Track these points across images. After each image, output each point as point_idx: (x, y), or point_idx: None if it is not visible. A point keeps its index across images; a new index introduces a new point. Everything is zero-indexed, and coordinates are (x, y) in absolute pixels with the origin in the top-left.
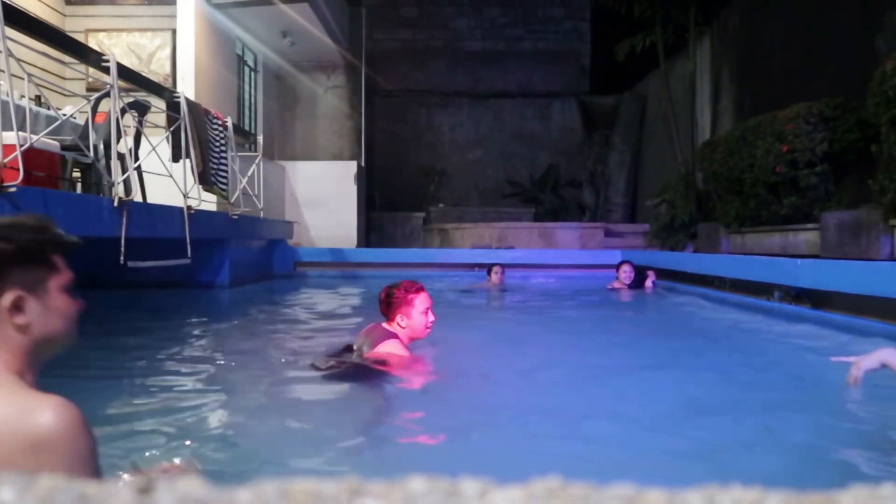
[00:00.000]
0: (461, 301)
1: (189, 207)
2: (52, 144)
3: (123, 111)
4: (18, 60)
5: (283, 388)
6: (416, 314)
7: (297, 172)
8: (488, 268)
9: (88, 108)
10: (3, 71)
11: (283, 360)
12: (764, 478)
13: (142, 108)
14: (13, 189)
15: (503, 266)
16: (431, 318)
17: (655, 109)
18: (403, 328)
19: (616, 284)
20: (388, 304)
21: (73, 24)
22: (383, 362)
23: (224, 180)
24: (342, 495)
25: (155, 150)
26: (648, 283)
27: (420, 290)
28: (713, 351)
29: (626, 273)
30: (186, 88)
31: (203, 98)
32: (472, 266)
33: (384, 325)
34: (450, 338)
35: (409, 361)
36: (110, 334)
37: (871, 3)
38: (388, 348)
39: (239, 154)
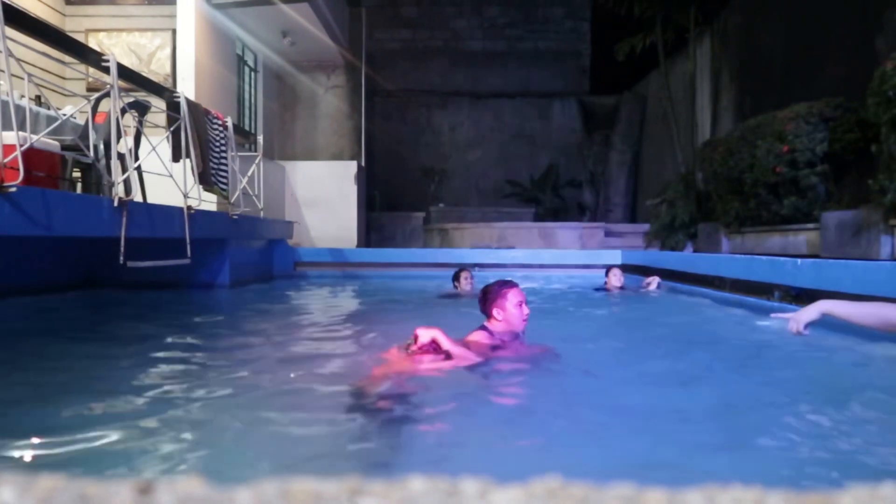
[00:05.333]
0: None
1: (189, 207)
2: (52, 144)
3: (123, 111)
4: (18, 60)
5: (283, 388)
6: (511, 307)
7: (297, 172)
8: (455, 273)
9: (88, 108)
10: (2, 71)
11: (283, 360)
12: (764, 477)
13: (142, 108)
14: (13, 189)
15: (471, 270)
16: (526, 310)
17: (655, 109)
18: (500, 321)
19: (607, 287)
20: (485, 300)
21: (73, 24)
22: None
23: (224, 180)
24: (342, 495)
25: (155, 150)
26: (653, 285)
27: (514, 285)
28: (710, 350)
29: (616, 277)
30: (186, 88)
31: (203, 98)
32: (472, 266)
33: (484, 322)
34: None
35: (487, 350)
36: (109, 334)
37: (871, 3)
38: (472, 337)
39: (239, 154)
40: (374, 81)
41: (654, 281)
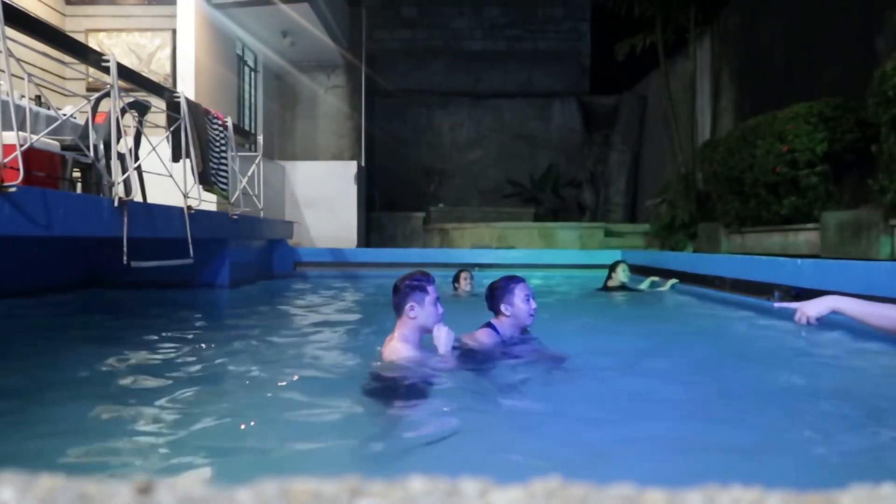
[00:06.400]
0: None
1: (189, 207)
2: (52, 144)
3: (123, 111)
4: (18, 60)
5: (283, 388)
6: (519, 301)
7: (297, 172)
8: (455, 275)
9: (88, 108)
10: (3, 71)
11: (283, 360)
12: (762, 477)
13: (142, 108)
14: (13, 189)
15: (471, 272)
16: (533, 304)
17: (655, 109)
18: (508, 316)
19: (609, 284)
20: (492, 297)
21: (73, 24)
22: (467, 348)
23: (224, 180)
24: (342, 495)
25: (155, 150)
26: (665, 287)
27: (521, 280)
28: (709, 351)
29: (624, 272)
30: (186, 88)
31: (203, 98)
32: (472, 266)
33: (491, 320)
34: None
35: (492, 347)
36: (110, 334)
37: (871, 3)
38: (478, 335)
39: (239, 154)
40: (374, 81)
41: (669, 283)
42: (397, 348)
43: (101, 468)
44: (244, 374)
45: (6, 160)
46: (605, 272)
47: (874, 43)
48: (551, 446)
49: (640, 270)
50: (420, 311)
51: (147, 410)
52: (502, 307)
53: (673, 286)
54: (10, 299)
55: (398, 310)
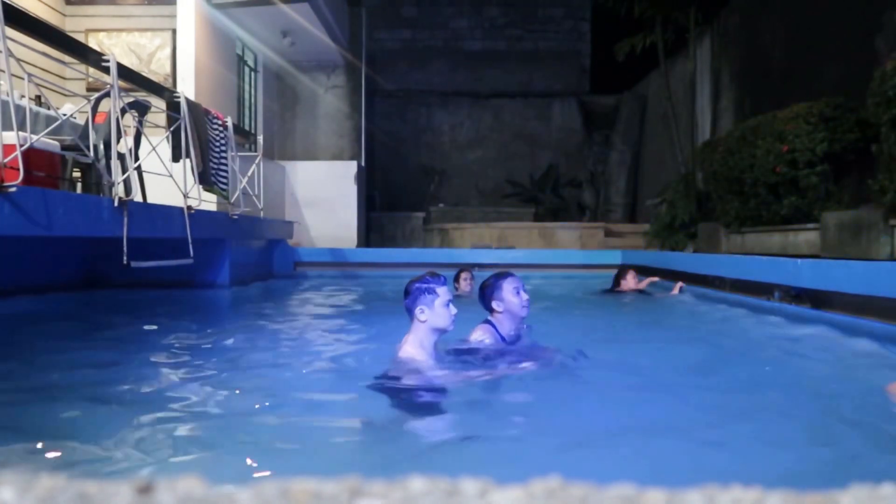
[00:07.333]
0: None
1: (189, 207)
2: (52, 144)
3: (123, 111)
4: (18, 60)
5: (283, 388)
6: (509, 295)
7: (297, 172)
8: (456, 274)
9: (88, 108)
10: (3, 71)
11: (284, 360)
12: (761, 478)
13: (142, 108)
14: (13, 189)
15: (472, 271)
16: (525, 296)
17: (655, 109)
18: (502, 312)
19: (620, 289)
20: (484, 296)
21: (73, 24)
22: (467, 349)
23: (224, 180)
24: (342, 495)
25: (155, 150)
26: (675, 290)
27: (509, 274)
28: (710, 351)
29: (633, 277)
30: (186, 88)
31: (203, 98)
32: (472, 266)
33: (488, 317)
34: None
35: (495, 347)
36: (109, 334)
37: (871, 3)
38: (475, 334)
39: (239, 154)
40: (374, 81)
41: (678, 286)
42: (409, 350)
43: (102, 468)
44: (244, 375)
45: (6, 160)
46: (603, 271)
47: (874, 43)
48: (552, 447)
49: (640, 270)
50: (430, 313)
51: (146, 410)
52: (494, 304)
53: (681, 290)
54: (9, 299)
55: (409, 312)
